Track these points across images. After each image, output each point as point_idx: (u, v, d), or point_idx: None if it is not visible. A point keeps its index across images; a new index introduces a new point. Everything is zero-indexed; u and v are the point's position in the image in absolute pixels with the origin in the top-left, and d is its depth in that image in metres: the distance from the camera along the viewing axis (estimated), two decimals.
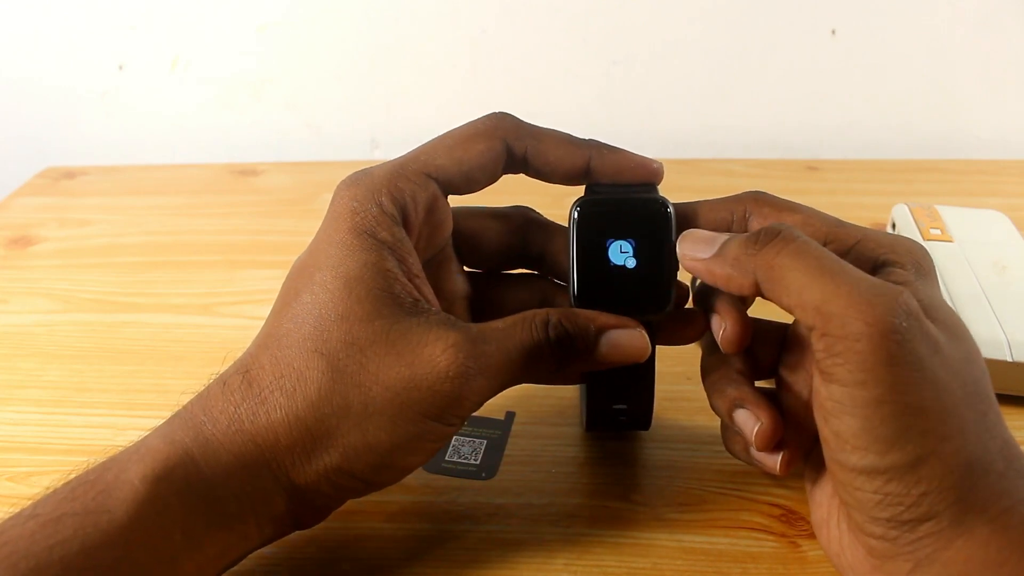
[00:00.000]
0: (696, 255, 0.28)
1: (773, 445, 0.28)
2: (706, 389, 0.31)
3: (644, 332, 0.29)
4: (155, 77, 0.72)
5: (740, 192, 0.30)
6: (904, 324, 0.23)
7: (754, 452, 0.29)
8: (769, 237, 0.26)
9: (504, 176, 0.31)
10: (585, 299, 0.29)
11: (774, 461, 0.29)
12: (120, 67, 0.72)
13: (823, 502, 0.28)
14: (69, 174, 0.68)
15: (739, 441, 0.30)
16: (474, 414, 0.38)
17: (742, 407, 0.29)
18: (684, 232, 0.29)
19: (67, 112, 0.74)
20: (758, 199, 0.30)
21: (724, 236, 0.28)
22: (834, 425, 0.25)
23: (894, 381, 0.23)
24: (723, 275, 0.27)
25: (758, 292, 0.26)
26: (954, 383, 0.24)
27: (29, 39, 0.71)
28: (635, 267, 0.29)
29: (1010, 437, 0.25)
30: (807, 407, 0.28)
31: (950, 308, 0.26)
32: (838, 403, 0.24)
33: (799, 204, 0.29)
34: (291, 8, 0.69)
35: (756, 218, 0.29)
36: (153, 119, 0.74)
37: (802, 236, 0.26)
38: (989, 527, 0.23)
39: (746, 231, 0.29)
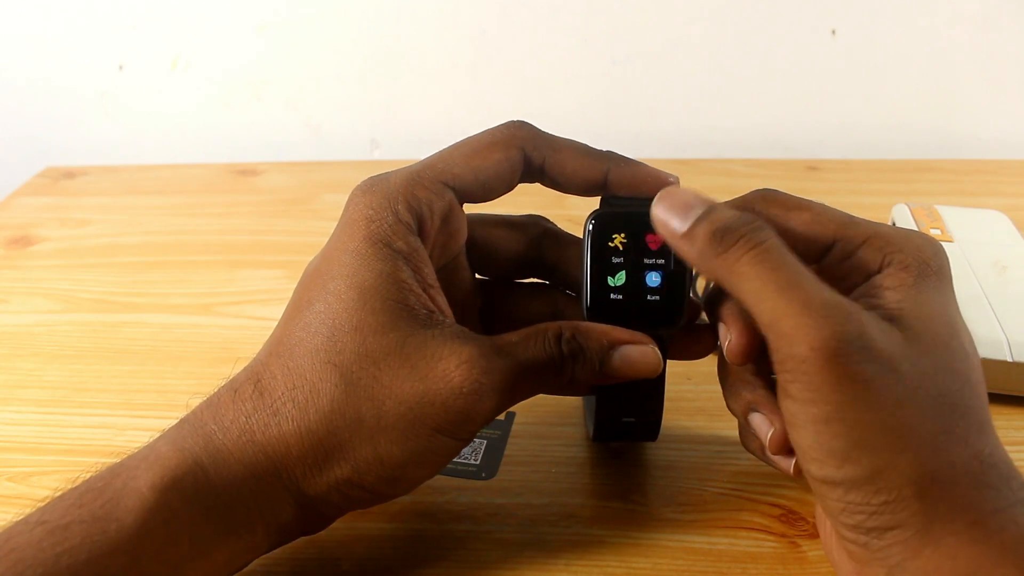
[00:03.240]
0: (669, 224, 0.26)
1: (787, 450, 0.28)
2: (725, 391, 0.30)
3: (656, 348, 0.28)
4: (155, 77, 0.72)
5: (749, 192, 0.30)
6: (850, 347, 0.23)
7: (768, 453, 0.29)
8: (733, 240, 0.25)
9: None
10: (597, 312, 0.29)
11: (788, 464, 0.29)
12: (120, 67, 0.72)
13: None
14: (69, 174, 0.68)
15: (755, 440, 0.30)
16: None
17: (756, 411, 0.29)
18: (661, 191, 0.27)
19: (67, 112, 0.74)
20: (767, 198, 0.29)
21: (700, 206, 0.26)
22: (794, 436, 0.25)
23: (841, 401, 0.23)
24: (691, 259, 0.26)
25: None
26: (913, 398, 0.24)
27: (29, 39, 0.71)
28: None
29: (986, 448, 0.24)
30: None
31: (942, 312, 0.26)
32: (793, 416, 0.25)
33: (810, 201, 0.29)
34: (291, 8, 0.69)
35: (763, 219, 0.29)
36: (153, 119, 0.74)
37: (766, 239, 0.25)
38: (956, 539, 0.23)
39: None
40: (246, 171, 0.67)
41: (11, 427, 0.39)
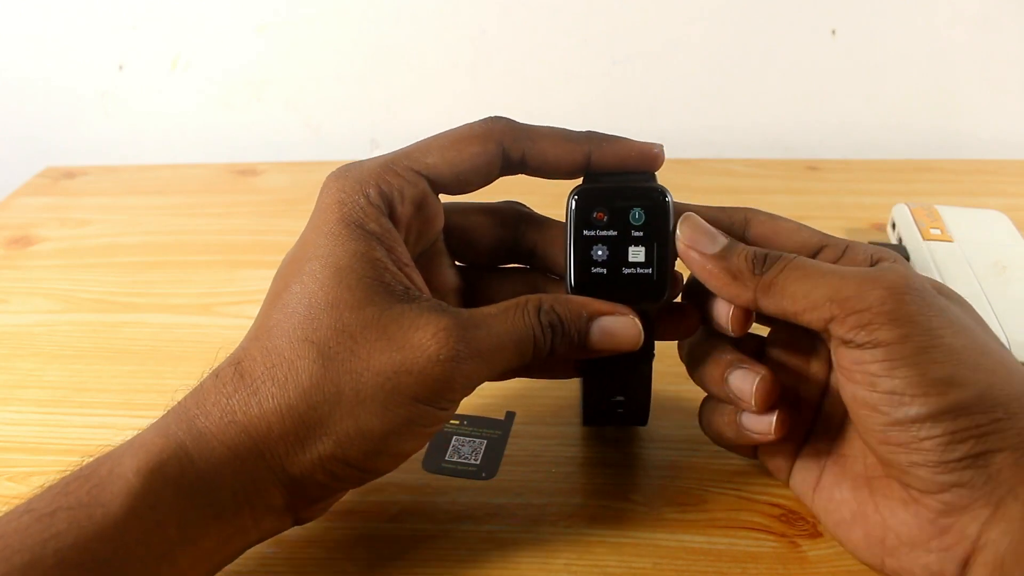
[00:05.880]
0: (696, 246, 0.28)
1: (773, 400, 0.29)
2: (696, 365, 0.31)
3: (637, 320, 0.29)
4: (155, 77, 0.72)
5: (734, 206, 0.31)
6: (916, 284, 0.26)
7: (744, 420, 0.30)
8: (772, 261, 0.27)
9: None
10: (582, 287, 0.29)
11: (768, 423, 0.29)
12: (120, 67, 0.72)
13: (846, 499, 0.29)
14: (69, 174, 0.68)
15: (726, 413, 0.30)
16: (474, 414, 0.38)
17: (740, 367, 0.29)
18: (685, 215, 0.29)
19: (67, 112, 0.74)
20: (752, 210, 0.31)
21: (723, 236, 0.29)
22: (886, 385, 0.25)
23: (933, 327, 0.25)
24: (719, 279, 0.28)
25: (750, 306, 0.28)
26: (977, 331, 0.26)
27: (29, 39, 0.71)
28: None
29: None
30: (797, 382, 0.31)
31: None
32: (886, 362, 0.25)
33: (791, 219, 0.31)
34: (291, 8, 0.69)
35: (754, 224, 0.30)
36: (153, 119, 0.74)
37: (795, 257, 0.28)
38: None
39: (744, 237, 0.30)
40: (246, 171, 0.67)
41: (11, 427, 0.39)
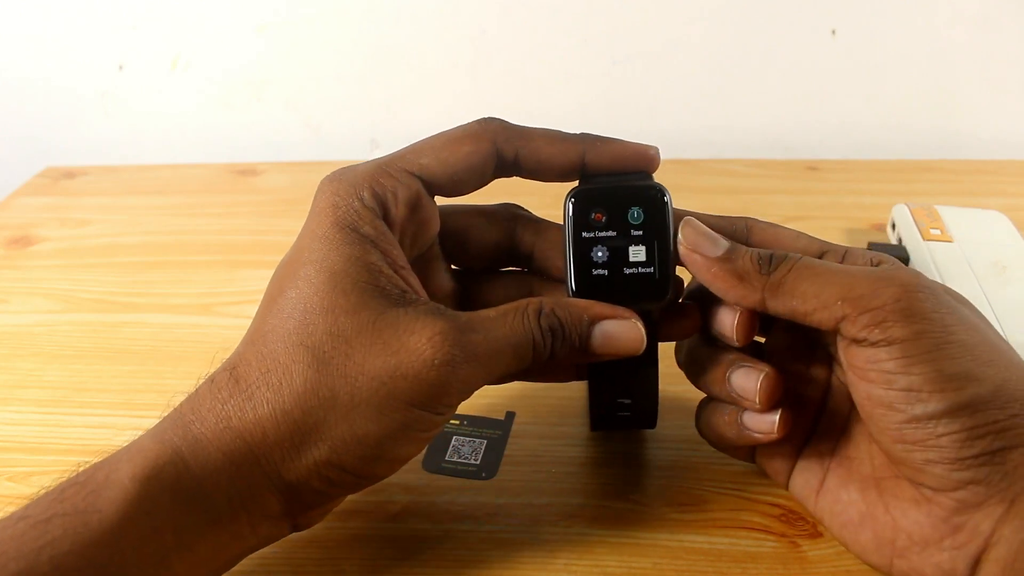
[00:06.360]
0: (700, 249, 0.28)
1: (778, 398, 0.29)
2: (696, 367, 0.31)
3: (639, 323, 0.28)
4: (155, 77, 0.72)
5: (734, 215, 0.31)
6: (926, 283, 0.26)
7: (746, 419, 0.29)
8: (779, 261, 0.27)
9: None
10: (583, 290, 0.29)
11: (771, 422, 0.29)
12: (120, 67, 0.72)
13: (853, 500, 0.29)
14: (69, 174, 0.68)
15: (727, 413, 0.30)
16: (474, 414, 0.38)
17: (742, 365, 0.29)
18: (685, 219, 0.29)
19: (67, 112, 0.74)
20: (751, 218, 0.31)
21: (724, 240, 0.28)
22: (902, 382, 0.25)
23: (944, 323, 0.25)
24: (725, 281, 0.28)
25: (758, 307, 0.28)
26: (987, 331, 0.27)
27: (29, 39, 0.71)
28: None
29: None
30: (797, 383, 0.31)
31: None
32: (902, 359, 0.25)
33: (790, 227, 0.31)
34: (291, 8, 0.69)
35: (755, 232, 0.30)
36: (153, 119, 0.74)
37: (801, 257, 0.28)
38: None
39: (746, 244, 0.30)
40: (246, 171, 0.67)
41: (11, 427, 0.39)
